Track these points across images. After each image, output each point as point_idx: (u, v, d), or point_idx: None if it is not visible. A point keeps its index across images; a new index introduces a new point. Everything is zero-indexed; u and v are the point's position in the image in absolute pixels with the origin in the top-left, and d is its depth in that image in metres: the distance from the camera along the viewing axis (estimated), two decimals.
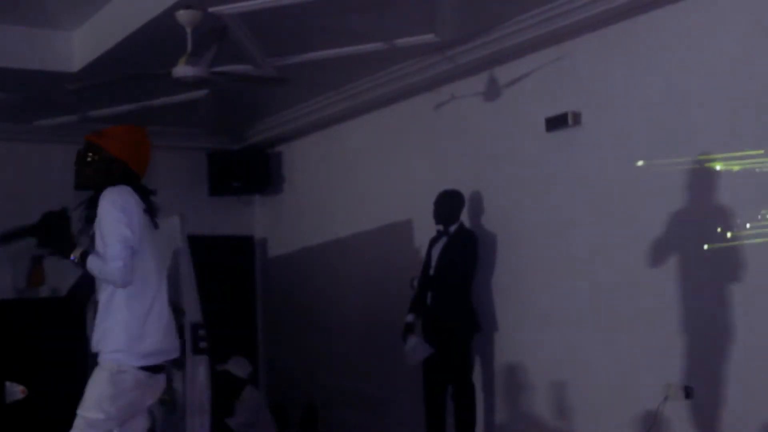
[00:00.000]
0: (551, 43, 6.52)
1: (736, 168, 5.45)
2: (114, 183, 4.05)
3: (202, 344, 6.69)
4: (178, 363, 6.88)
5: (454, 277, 6.77)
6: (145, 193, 4.15)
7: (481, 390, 7.07)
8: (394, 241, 7.90)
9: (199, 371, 6.68)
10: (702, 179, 5.62)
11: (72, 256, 4.01)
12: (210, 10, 5.92)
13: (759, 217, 5.34)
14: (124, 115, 8.60)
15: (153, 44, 6.30)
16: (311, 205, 9.26)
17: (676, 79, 5.80)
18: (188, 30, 5.89)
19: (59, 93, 7.12)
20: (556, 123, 6.51)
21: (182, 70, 5.79)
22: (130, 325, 4.03)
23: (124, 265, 3.90)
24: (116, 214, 3.94)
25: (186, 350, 6.63)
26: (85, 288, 7.57)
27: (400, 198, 7.43)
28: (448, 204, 6.93)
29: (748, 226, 5.39)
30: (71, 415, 4.08)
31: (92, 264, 3.96)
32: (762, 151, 5.30)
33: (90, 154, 4.15)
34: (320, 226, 9.04)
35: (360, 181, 8.56)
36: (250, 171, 9.63)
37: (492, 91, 7.06)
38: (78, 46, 7.19)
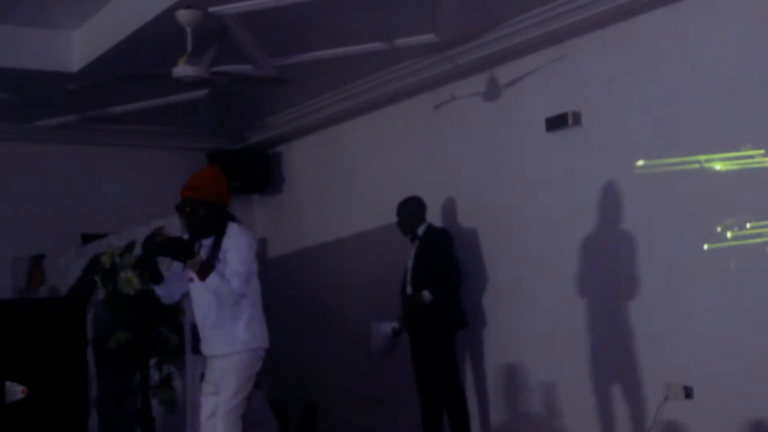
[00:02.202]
0: (551, 43, 6.52)
1: (735, 168, 5.45)
2: (220, 220, 4.93)
3: None
4: (179, 363, 6.89)
5: (434, 275, 6.75)
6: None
7: (474, 389, 7.08)
8: (394, 241, 7.89)
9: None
10: (702, 179, 5.62)
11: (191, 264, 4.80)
12: (210, 10, 5.91)
13: (760, 217, 5.35)
14: (124, 115, 8.61)
15: (153, 44, 6.30)
16: (311, 205, 9.26)
17: (676, 79, 5.80)
18: (188, 30, 5.89)
19: (59, 93, 7.11)
20: (556, 123, 6.51)
21: (182, 69, 5.79)
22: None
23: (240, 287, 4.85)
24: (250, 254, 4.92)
25: (186, 350, 6.63)
26: (86, 288, 7.58)
27: (400, 198, 7.41)
28: (406, 212, 6.97)
29: (748, 225, 5.40)
30: (71, 415, 4.13)
31: (213, 281, 4.77)
32: (762, 151, 5.31)
33: (198, 208, 4.90)
34: (320, 226, 9.04)
35: (360, 181, 8.56)
36: (250, 171, 9.62)
37: (492, 91, 7.06)
38: (78, 46, 7.19)
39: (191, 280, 4.93)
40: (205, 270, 4.76)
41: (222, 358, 4.94)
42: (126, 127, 9.15)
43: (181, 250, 4.84)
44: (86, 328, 7.18)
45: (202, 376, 5.12)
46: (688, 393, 5.66)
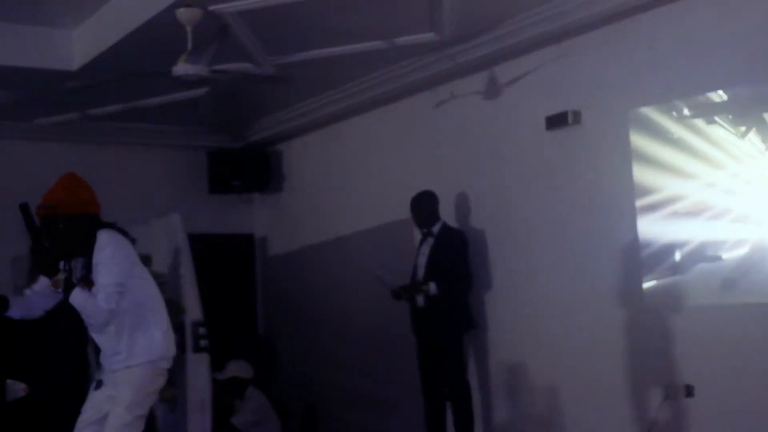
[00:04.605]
0: (551, 41, 6.52)
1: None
2: (88, 233, 4.47)
3: (203, 343, 6.69)
4: (179, 361, 6.89)
5: (447, 277, 6.73)
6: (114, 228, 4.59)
7: (478, 389, 7.08)
8: (394, 241, 7.90)
9: (199, 370, 6.68)
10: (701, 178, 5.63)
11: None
12: (210, 8, 5.91)
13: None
14: (124, 113, 8.61)
15: (153, 42, 6.30)
16: (311, 203, 9.26)
17: (676, 79, 5.80)
18: (188, 28, 5.89)
19: (59, 91, 7.12)
20: (557, 122, 6.51)
21: (182, 68, 5.79)
22: None
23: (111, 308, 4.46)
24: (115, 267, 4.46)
25: (187, 349, 6.63)
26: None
27: (400, 197, 7.42)
28: (426, 205, 6.92)
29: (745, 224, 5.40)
30: (71, 415, 4.14)
31: (74, 298, 4.41)
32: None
33: (56, 225, 4.50)
34: (320, 224, 9.03)
35: (360, 180, 8.56)
36: (250, 169, 9.62)
37: (492, 90, 7.06)
38: (78, 45, 7.19)
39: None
40: (68, 288, 4.41)
41: (116, 372, 4.57)
42: (126, 125, 9.15)
43: (43, 262, 4.48)
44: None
45: (98, 383, 4.71)
46: (689, 392, 5.66)
